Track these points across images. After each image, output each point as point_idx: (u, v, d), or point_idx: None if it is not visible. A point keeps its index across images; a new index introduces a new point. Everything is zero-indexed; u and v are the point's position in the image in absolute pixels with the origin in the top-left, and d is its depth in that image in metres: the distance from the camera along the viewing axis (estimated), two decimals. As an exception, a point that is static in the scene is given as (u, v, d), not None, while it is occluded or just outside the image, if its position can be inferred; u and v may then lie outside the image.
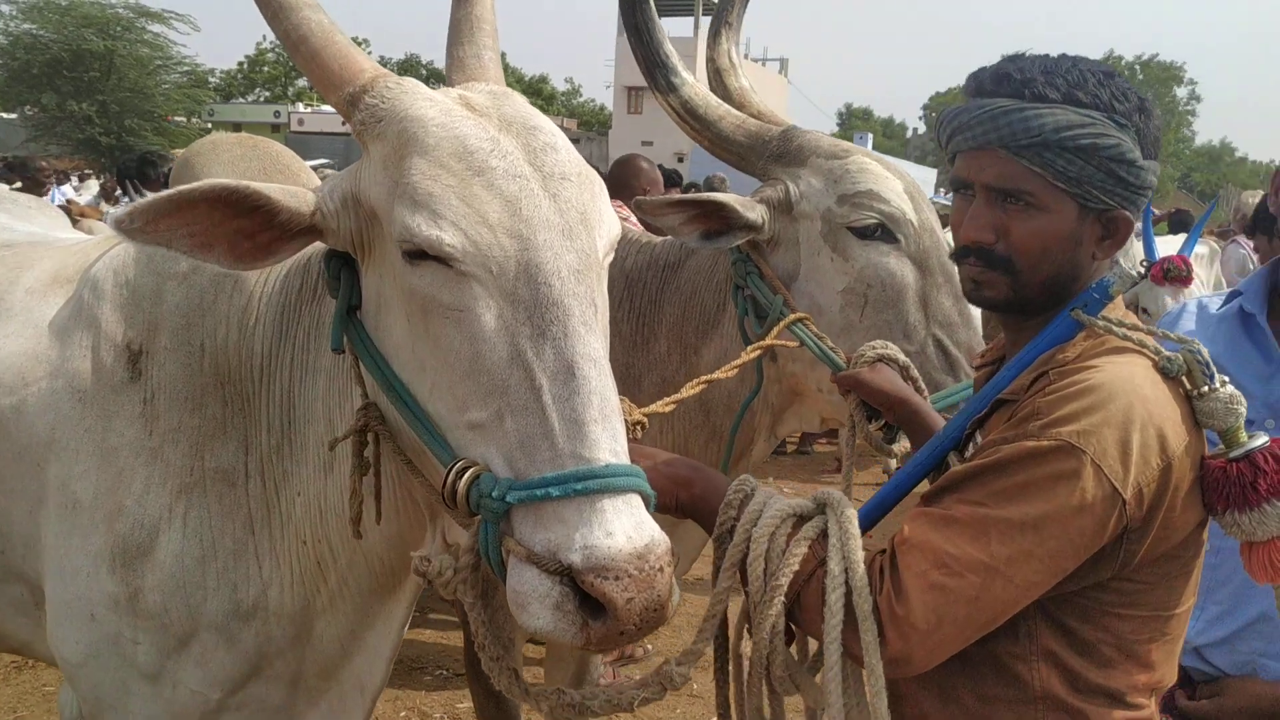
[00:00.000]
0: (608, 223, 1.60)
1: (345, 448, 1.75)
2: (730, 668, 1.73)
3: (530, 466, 1.40)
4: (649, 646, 5.16)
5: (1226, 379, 1.50)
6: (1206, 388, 1.49)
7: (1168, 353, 1.51)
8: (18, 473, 2.06)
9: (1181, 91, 76.67)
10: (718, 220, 2.54)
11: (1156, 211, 9.91)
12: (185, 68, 34.05)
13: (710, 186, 10.03)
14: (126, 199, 8.98)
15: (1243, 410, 1.48)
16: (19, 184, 8.39)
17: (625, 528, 1.36)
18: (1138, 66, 72.40)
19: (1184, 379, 1.50)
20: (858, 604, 1.44)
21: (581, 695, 1.52)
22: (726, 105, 2.79)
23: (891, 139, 78.34)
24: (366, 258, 1.65)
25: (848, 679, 1.50)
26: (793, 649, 1.62)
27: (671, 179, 9.33)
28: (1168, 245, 6.73)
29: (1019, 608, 1.47)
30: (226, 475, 1.94)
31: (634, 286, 2.86)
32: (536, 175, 1.52)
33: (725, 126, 2.72)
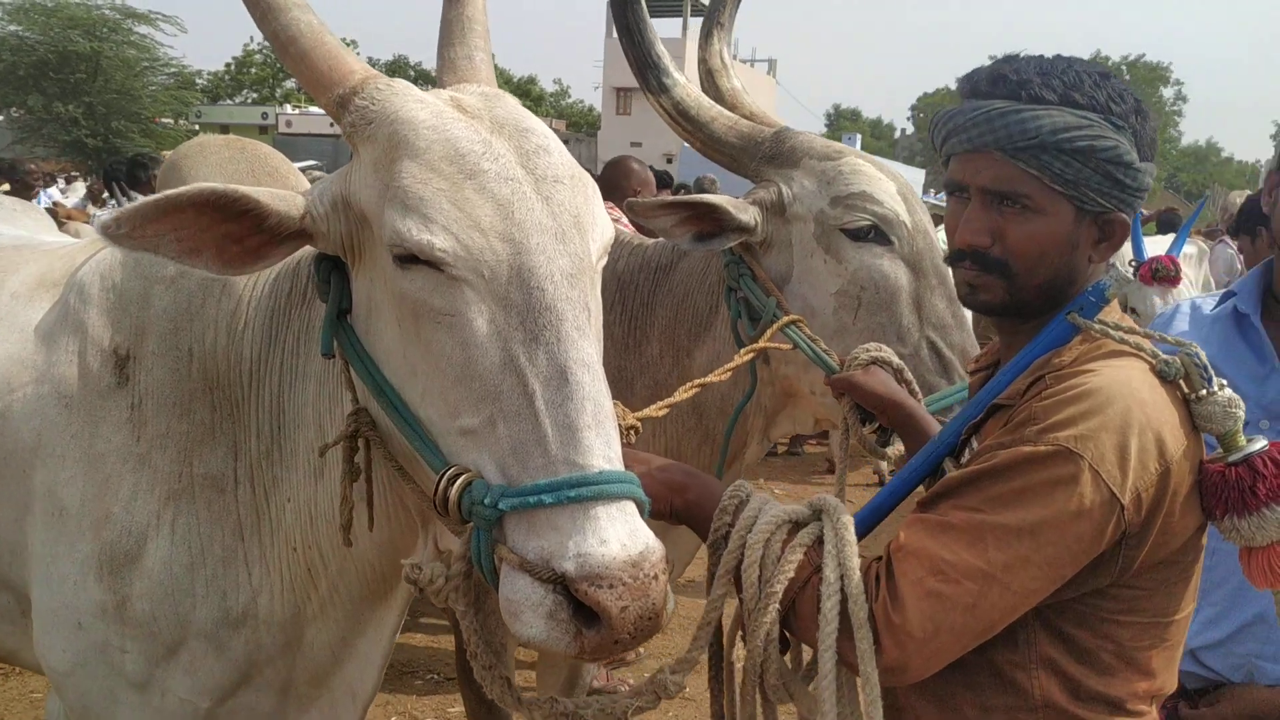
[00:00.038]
0: (601, 226, 1.59)
1: (336, 453, 1.73)
2: (724, 675, 1.72)
3: (523, 473, 1.38)
4: (641, 650, 5.15)
5: (1225, 382, 1.49)
6: (1205, 391, 1.48)
7: (1165, 356, 1.50)
8: (3, 480, 2.04)
9: (1168, 92, 77.03)
10: (710, 222, 2.52)
11: (1145, 211, 9.95)
12: (172, 69, 33.90)
13: (700, 188, 10.03)
14: (113, 201, 8.93)
15: (1241, 414, 1.47)
16: (7, 187, 8.34)
17: (619, 535, 1.35)
18: (1125, 67, 72.67)
19: (1181, 382, 1.49)
20: (853, 611, 1.43)
21: (575, 704, 1.51)
22: (719, 106, 2.77)
23: (880, 139, 78.52)
24: (357, 261, 1.64)
25: (842, 688, 1.48)
26: (788, 658, 1.60)
27: (663, 180, 9.31)
28: (1156, 245, 6.74)
29: (1016, 615, 1.45)
30: (215, 481, 1.92)
31: (626, 289, 2.84)
32: (529, 178, 1.51)
33: (717, 128, 2.71)
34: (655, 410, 1.94)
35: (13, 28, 30.10)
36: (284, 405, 1.89)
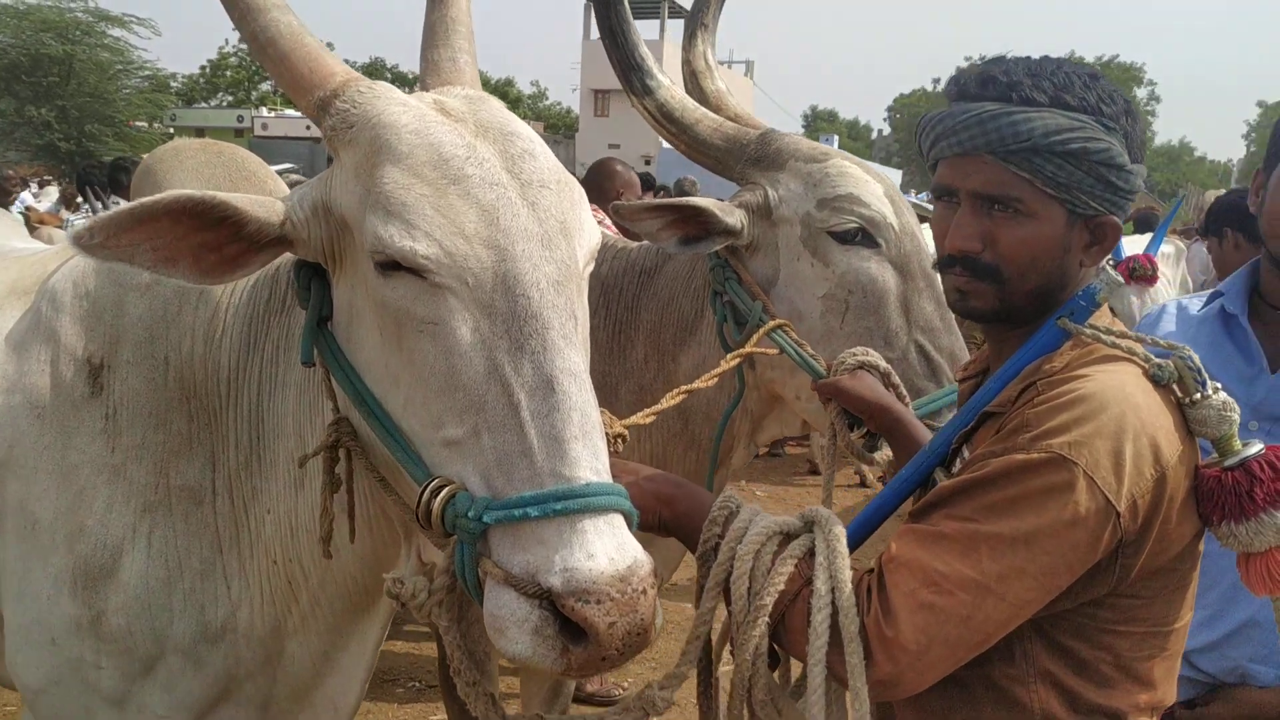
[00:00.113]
0: (588, 231, 1.56)
1: (316, 464, 1.70)
2: (712, 690, 1.69)
3: (508, 485, 1.35)
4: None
5: (1219, 385, 1.47)
6: (1199, 395, 1.46)
7: (1158, 360, 1.48)
8: (-27, 493, 1.98)
9: (1141, 92, 77.62)
10: (696, 225, 2.50)
11: (1125, 211, 9.98)
12: (146, 72, 33.71)
13: (680, 189, 10.01)
14: (88, 206, 8.84)
15: (1236, 417, 1.45)
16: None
17: (607, 549, 1.32)
18: (1099, 68, 73.15)
19: (1175, 386, 1.47)
20: (844, 624, 1.40)
21: None
22: (703, 108, 2.75)
23: (857, 140, 78.69)
24: (338, 268, 1.60)
25: (832, 704, 1.45)
26: (776, 674, 1.57)
27: (647, 182, 9.28)
28: (1134, 244, 6.77)
29: (1012, 627, 1.43)
30: (193, 493, 1.88)
31: (610, 293, 2.82)
32: (514, 183, 1.48)
33: (702, 130, 2.69)
34: (643, 417, 1.92)
35: (-16, 32, 29.87)
36: (263, 415, 1.85)
